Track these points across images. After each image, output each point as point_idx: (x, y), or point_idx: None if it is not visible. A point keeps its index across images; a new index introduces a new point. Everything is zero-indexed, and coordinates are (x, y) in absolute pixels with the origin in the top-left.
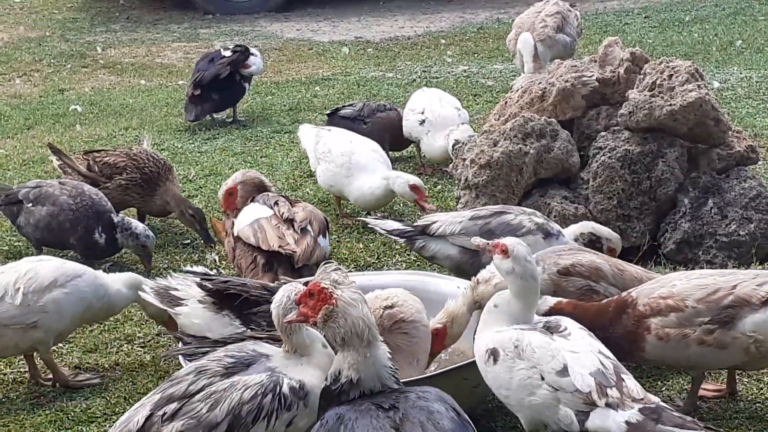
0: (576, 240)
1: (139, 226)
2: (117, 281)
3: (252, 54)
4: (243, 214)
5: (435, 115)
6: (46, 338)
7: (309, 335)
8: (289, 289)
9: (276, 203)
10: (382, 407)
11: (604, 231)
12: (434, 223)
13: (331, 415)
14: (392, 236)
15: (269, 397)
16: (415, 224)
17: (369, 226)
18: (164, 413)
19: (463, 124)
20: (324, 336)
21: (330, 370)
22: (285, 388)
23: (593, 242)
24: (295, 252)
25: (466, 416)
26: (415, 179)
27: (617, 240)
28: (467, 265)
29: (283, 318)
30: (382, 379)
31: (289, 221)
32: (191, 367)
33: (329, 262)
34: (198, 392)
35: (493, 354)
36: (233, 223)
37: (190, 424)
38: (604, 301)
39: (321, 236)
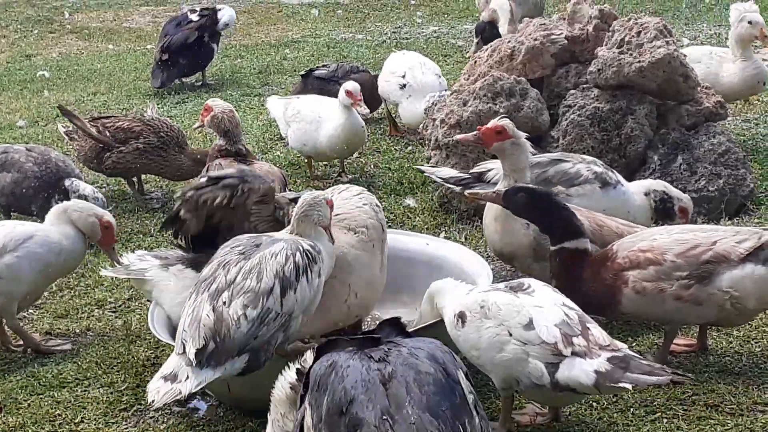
0: (647, 195)
1: (87, 188)
2: (63, 229)
3: (218, 9)
4: None
5: (416, 82)
6: (7, 304)
7: (317, 228)
8: (320, 194)
9: None
10: (373, 358)
11: (675, 192)
12: (490, 170)
13: (324, 361)
14: (448, 184)
15: (297, 255)
16: (470, 171)
17: (424, 173)
18: (223, 301)
19: (444, 91)
20: None
21: None
22: (305, 246)
23: (665, 201)
24: None
25: (457, 375)
26: (351, 85)
27: (689, 200)
28: None
29: (308, 206)
30: None
31: None
32: (213, 266)
33: None
34: (236, 276)
35: (461, 317)
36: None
37: (249, 296)
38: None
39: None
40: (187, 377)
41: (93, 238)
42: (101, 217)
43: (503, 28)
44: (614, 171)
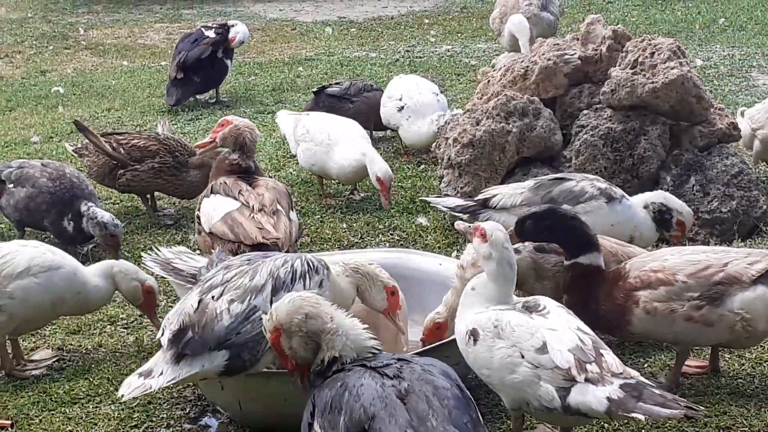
0: (645, 208)
1: (105, 215)
2: (95, 275)
3: (232, 26)
4: (209, 208)
5: (414, 102)
6: (7, 323)
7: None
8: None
9: (239, 192)
10: (386, 375)
11: (676, 203)
12: (495, 196)
13: (332, 384)
14: (455, 213)
15: (298, 262)
16: (476, 198)
17: (431, 204)
18: (212, 296)
19: (448, 111)
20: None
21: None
22: (309, 257)
23: (662, 213)
24: (279, 238)
25: (468, 392)
26: (383, 173)
27: (688, 214)
28: None
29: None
30: (358, 345)
31: (260, 207)
32: (218, 268)
33: None
34: (233, 276)
35: (473, 334)
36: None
37: (237, 293)
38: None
39: (291, 211)
40: (162, 373)
41: (134, 302)
42: (143, 282)
43: (525, 48)
44: (616, 187)
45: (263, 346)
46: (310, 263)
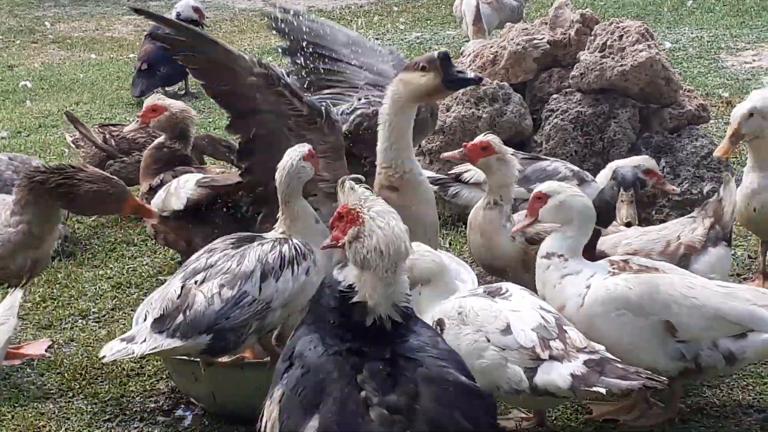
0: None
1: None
2: None
3: (177, 10)
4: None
5: None
6: None
7: (303, 206)
8: (296, 150)
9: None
10: (389, 407)
11: (626, 162)
12: (468, 170)
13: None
14: None
15: (285, 247)
16: (448, 172)
17: None
18: (196, 281)
19: None
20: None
21: (343, 274)
22: (296, 242)
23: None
24: None
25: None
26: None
27: (645, 159)
28: None
29: (294, 175)
30: (394, 309)
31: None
32: (201, 251)
33: (354, 178)
34: (218, 261)
35: (440, 324)
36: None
37: (226, 278)
38: None
39: None
40: (144, 340)
41: None
42: None
43: (468, 28)
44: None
45: (248, 330)
46: (298, 248)
